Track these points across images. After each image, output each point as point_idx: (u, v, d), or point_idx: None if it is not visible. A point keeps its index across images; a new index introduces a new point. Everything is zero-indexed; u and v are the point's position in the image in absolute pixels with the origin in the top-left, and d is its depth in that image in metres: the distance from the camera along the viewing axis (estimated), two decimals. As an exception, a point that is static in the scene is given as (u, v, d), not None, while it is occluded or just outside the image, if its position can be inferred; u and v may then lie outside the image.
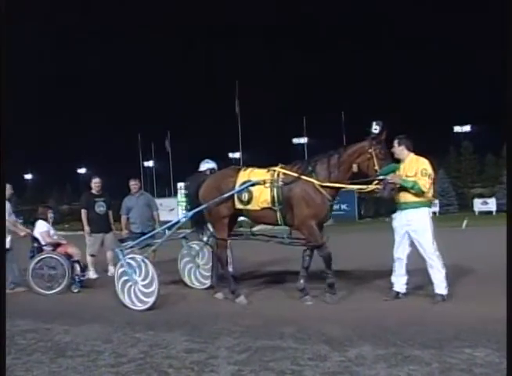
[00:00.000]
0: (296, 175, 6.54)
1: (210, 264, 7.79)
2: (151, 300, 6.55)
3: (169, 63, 69.97)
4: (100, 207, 9.92)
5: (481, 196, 31.67)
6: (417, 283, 6.93)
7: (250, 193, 6.62)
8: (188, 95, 65.93)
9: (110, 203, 10.18)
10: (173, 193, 39.65)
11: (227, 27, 74.05)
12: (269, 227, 7.54)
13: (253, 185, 6.62)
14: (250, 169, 6.91)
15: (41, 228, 8.61)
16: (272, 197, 6.53)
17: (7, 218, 8.25)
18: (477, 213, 29.28)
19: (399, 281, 6.51)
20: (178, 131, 50.82)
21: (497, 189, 33.07)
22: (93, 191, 10.07)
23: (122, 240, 8.13)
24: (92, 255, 9.88)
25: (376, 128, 6.24)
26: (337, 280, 6.89)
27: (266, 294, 7.32)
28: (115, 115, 65.22)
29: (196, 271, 7.97)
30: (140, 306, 6.62)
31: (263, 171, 6.80)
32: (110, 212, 10.08)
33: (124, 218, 9.71)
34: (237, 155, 48.60)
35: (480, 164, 40.80)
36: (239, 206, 6.75)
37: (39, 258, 8.28)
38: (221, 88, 53.01)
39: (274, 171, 6.69)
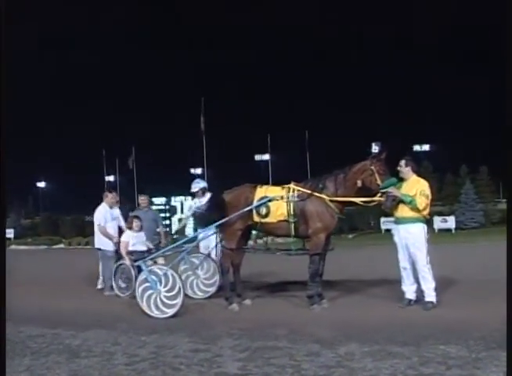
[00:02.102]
0: (309, 191, 7.30)
1: (209, 274, 8.48)
2: (171, 311, 7.00)
3: (134, 77, 70.01)
4: None
5: (440, 214, 32.75)
6: (394, 290, 7.73)
7: (268, 207, 7.37)
8: (153, 110, 66.12)
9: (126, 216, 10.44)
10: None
11: (191, 40, 74.96)
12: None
13: (270, 200, 7.36)
14: (265, 186, 7.69)
15: (124, 238, 8.92)
16: (288, 211, 7.30)
17: (103, 223, 9.40)
18: (436, 231, 30.32)
19: (410, 289, 7.21)
20: (143, 147, 51.01)
21: (456, 207, 34.37)
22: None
23: (130, 253, 8.64)
24: None
25: (375, 148, 7.15)
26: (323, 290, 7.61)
27: (257, 301, 7.99)
28: (79, 129, 64.68)
29: (198, 282, 8.53)
30: (157, 314, 7.05)
31: (278, 188, 7.57)
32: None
33: None
34: (199, 171, 48.98)
35: (439, 183, 42.30)
36: (256, 219, 7.45)
37: (117, 265, 8.89)
38: (187, 104, 53.59)
39: (289, 188, 7.44)
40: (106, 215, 9.54)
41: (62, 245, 34.61)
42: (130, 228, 8.92)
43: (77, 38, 70.80)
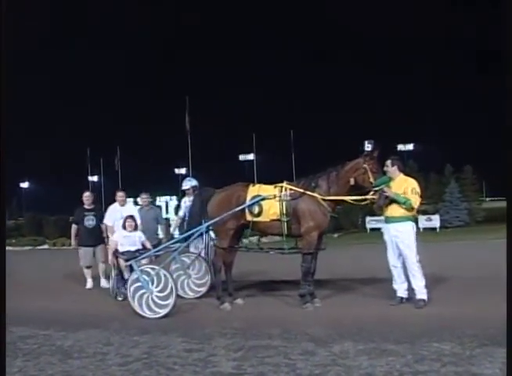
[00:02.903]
0: (301, 190, 7.31)
1: (201, 274, 8.47)
2: (163, 312, 6.97)
3: (120, 76, 69.66)
4: (89, 221, 10.17)
5: (425, 213, 32.89)
6: (384, 288, 7.79)
7: (261, 206, 7.38)
8: (138, 110, 65.76)
9: (103, 216, 10.38)
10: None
11: (179, 41, 74.71)
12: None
13: (263, 199, 7.36)
14: (258, 185, 7.71)
15: (113, 237, 8.93)
16: (281, 210, 7.31)
17: (111, 223, 9.59)
18: (421, 229, 30.41)
19: (401, 287, 7.26)
20: (127, 147, 50.81)
21: (440, 206, 34.60)
22: (85, 205, 10.36)
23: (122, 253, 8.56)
24: (88, 267, 10.19)
25: (368, 146, 7.15)
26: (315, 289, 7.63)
27: (249, 301, 7.98)
28: (63, 128, 64.05)
29: (190, 282, 8.48)
30: (149, 314, 7.01)
31: (270, 187, 7.56)
32: (103, 226, 10.22)
33: None
34: (183, 171, 48.85)
35: (424, 182, 42.44)
36: (249, 218, 7.45)
37: None
38: (172, 103, 53.38)
39: (281, 187, 7.45)
40: (114, 214, 9.60)
41: (46, 246, 34.28)
42: (124, 227, 8.86)
43: (63, 37, 70.25)
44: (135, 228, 8.83)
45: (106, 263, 9.84)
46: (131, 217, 8.97)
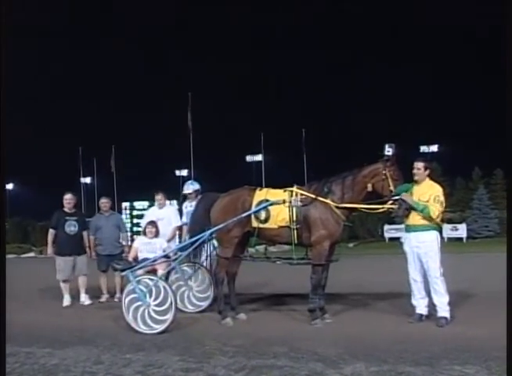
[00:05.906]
0: (313, 196, 7.32)
1: (203, 287, 8.48)
2: (160, 327, 6.97)
3: (115, 72, 69.83)
4: (71, 227, 9.99)
5: (450, 221, 32.66)
6: (403, 304, 7.82)
7: (268, 211, 7.39)
8: (135, 107, 65.77)
9: (85, 222, 10.38)
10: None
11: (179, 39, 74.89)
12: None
13: (271, 204, 7.38)
14: (265, 189, 7.71)
15: (135, 244, 9.22)
16: (290, 216, 7.31)
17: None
18: (446, 240, 30.22)
19: (421, 303, 7.23)
20: (123, 145, 50.77)
21: (467, 214, 34.36)
22: (65, 209, 10.14)
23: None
24: (65, 281, 9.99)
25: (389, 151, 7.14)
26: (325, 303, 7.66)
27: (253, 315, 8.02)
28: (52, 124, 64.06)
29: (190, 294, 8.50)
30: (144, 329, 7.02)
31: (279, 191, 7.57)
32: (85, 233, 10.21)
33: (92, 238, 10.17)
34: (185, 173, 48.84)
35: (449, 188, 42.24)
36: (255, 224, 7.47)
37: None
38: (173, 100, 53.33)
39: (291, 191, 7.45)
40: (151, 217, 9.70)
41: (32, 254, 34.44)
42: (144, 234, 9.06)
43: (55, 32, 70.54)
44: (157, 234, 8.90)
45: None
46: (152, 223, 9.06)
